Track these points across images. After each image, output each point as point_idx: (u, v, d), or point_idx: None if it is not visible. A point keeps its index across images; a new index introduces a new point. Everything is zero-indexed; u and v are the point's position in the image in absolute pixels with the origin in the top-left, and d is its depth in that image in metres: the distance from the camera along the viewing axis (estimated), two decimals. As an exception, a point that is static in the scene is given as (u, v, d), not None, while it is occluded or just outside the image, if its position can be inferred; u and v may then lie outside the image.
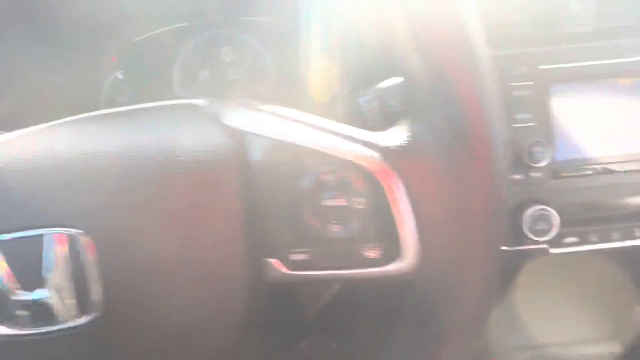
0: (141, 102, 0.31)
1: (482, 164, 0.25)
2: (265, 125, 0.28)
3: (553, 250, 0.50)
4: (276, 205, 0.27)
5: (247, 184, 0.26)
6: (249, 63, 0.59)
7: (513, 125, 0.47)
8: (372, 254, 0.28)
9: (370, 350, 0.51)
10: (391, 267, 0.26)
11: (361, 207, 0.27)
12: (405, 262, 0.26)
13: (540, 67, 0.49)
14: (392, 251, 0.26)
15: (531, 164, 0.47)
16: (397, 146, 0.26)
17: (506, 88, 0.48)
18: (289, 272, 0.28)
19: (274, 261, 0.27)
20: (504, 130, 0.32)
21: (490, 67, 0.30)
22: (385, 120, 0.39)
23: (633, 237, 0.51)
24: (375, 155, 0.26)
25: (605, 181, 0.50)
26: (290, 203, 0.27)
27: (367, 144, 0.27)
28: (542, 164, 0.46)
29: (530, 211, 0.46)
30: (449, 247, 0.26)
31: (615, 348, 0.79)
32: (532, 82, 0.48)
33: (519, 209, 0.47)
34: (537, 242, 0.48)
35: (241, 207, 0.26)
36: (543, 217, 0.46)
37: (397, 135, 0.27)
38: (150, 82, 0.58)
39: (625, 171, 0.50)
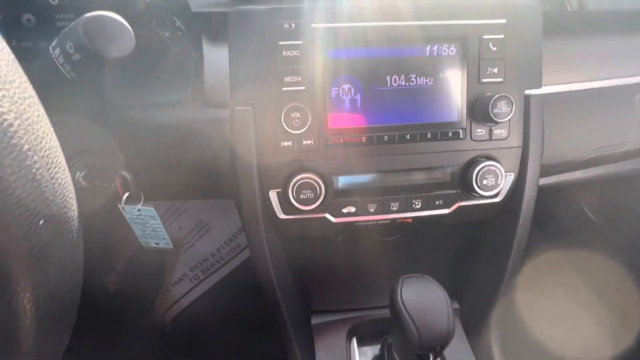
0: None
1: None
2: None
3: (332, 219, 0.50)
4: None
5: None
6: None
7: (283, 88, 0.44)
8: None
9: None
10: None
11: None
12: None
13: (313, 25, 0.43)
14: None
15: (292, 131, 0.44)
16: None
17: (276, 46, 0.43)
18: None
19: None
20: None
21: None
22: (74, 70, 0.36)
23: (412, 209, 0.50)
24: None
25: (379, 150, 0.48)
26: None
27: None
28: (301, 130, 0.44)
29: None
30: None
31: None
32: (301, 42, 0.43)
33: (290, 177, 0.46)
34: None
35: None
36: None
37: None
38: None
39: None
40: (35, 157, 0.21)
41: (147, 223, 0.56)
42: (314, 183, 0.45)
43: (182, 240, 1.37)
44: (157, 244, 0.59)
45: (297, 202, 0.46)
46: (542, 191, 0.54)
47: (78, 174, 0.52)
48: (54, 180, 0.23)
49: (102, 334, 1.03)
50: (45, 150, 0.22)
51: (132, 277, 1.27)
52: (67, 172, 0.24)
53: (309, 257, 0.69)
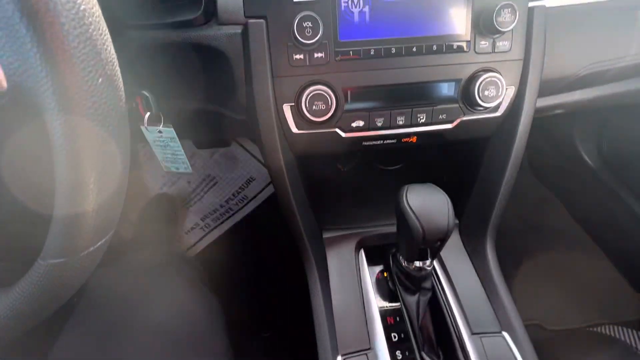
0: None
1: None
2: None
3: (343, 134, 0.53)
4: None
5: None
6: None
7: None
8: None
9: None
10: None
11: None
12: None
13: None
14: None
15: (303, 40, 0.46)
16: None
17: None
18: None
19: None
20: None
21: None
22: None
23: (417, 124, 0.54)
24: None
25: (387, 63, 0.50)
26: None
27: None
28: (312, 40, 0.46)
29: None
30: None
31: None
32: None
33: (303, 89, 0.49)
34: None
35: None
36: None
37: None
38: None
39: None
40: (91, 19, 0.24)
41: (168, 146, 0.59)
42: (325, 94, 0.48)
43: (192, 194, 1.43)
44: (177, 168, 0.63)
45: (310, 114, 0.49)
46: (537, 126, 0.56)
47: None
48: (105, 46, 0.26)
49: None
50: (96, 17, 0.25)
51: (145, 225, 1.34)
52: (112, 44, 0.27)
53: (319, 183, 0.74)
